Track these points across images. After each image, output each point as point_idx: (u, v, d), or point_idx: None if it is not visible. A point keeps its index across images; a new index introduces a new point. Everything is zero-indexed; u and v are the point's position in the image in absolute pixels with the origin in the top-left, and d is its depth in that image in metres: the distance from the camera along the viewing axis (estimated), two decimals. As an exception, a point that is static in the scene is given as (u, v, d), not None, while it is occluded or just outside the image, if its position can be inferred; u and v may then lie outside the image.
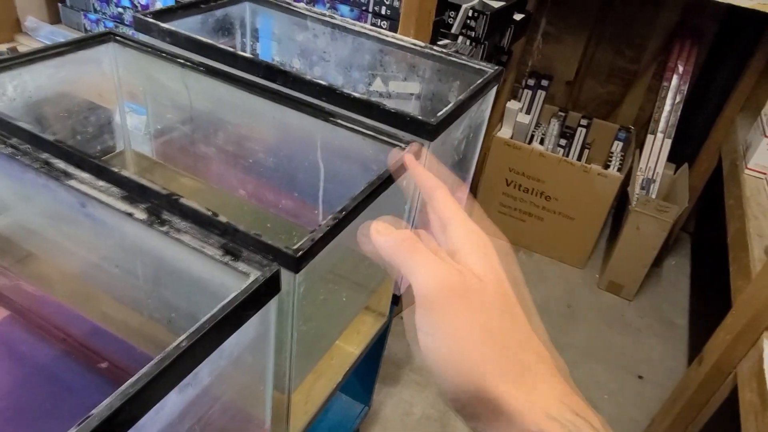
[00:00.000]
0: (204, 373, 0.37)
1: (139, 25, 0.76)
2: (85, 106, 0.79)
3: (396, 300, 0.79)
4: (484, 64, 0.81)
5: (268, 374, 0.46)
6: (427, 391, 1.48)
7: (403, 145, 0.62)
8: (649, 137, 1.91)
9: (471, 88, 0.73)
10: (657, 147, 1.90)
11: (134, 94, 0.83)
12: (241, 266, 0.41)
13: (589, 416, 0.27)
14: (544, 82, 2.03)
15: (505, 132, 1.97)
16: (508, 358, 0.29)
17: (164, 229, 0.43)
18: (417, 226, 0.74)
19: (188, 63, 0.71)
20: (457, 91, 0.87)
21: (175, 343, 0.33)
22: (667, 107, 1.89)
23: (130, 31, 1.01)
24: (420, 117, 0.64)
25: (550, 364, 0.30)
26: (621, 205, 2.14)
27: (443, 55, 0.84)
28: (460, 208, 0.36)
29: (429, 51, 0.84)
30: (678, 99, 1.88)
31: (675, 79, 1.88)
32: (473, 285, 0.31)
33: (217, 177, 0.83)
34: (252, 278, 0.40)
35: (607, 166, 1.89)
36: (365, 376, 1.25)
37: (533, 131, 2.03)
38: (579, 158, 1.97)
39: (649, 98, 2.05)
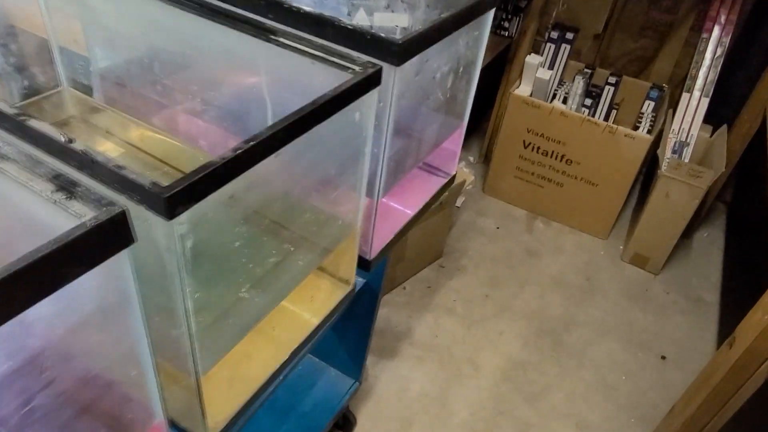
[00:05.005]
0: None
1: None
2: (8, 34, 0.68)
3: (366, 264, 0.68)
4: (478, -16, 0.67)
5: (141, 350, 0.35)
6: (426, 365, 1.37)
7: (358, 69, 0.49)
8: (685, 96, 1.73)
9: (456, 10, 0.60)
10: (693, 106, 1.72)
11: (67, 23, 0.71)
12: (75, 206, 0.29)
13: None
14: (569, 35, 1.85)
15: (523, 89, 1.81)
16: None
17: (-14, 155, 0.32)
18: (385, 164, 0.62)
19: (111, -26, 0.59)
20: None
21: None
22: (705, 62, 1.70)
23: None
24: (383, 35, 0.51)
25: None
26: (650, 170, 1.97)
27: (430, -25, 0.70)
28: None
29: (413, -30, 0.71)
30: (718, 53, 1.69)
31: (716, 31, 1.69)
32: None
33: (163, 120, 0.72)
34: (82, 221, 0.28)
35: (636, 128, 1.72)
36: (355, 348, 1.14)
37: (556, 89, 1.86)
38: (605, 119, 1.80)
39: (687, 53, 1.85)
